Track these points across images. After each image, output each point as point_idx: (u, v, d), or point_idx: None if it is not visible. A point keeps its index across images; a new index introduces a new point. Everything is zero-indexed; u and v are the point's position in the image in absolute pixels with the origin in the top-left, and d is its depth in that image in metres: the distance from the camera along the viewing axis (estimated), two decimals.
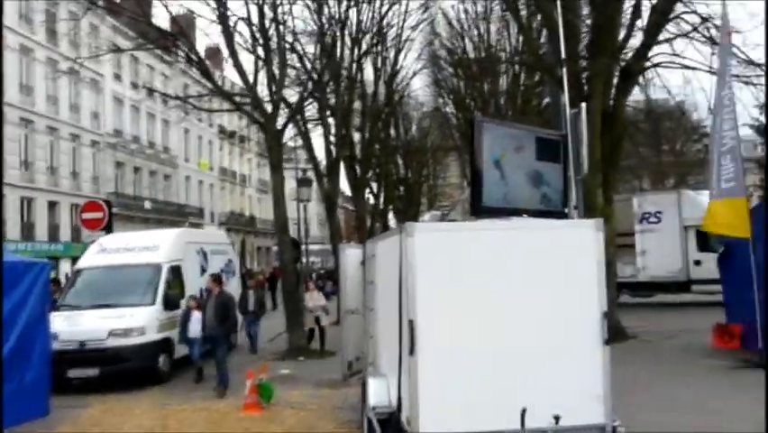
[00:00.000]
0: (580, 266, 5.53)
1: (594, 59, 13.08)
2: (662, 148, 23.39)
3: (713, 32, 12.14)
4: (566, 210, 6.54)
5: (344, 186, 27.01)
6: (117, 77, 39.76)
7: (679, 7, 12.63)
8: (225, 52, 14.74)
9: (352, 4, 19.81)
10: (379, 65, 24.16)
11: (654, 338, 13.92)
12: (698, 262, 18.97)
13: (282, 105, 16.14)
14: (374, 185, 30.51)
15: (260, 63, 14.47)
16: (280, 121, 14.94)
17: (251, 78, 14.31)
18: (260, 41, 14.01)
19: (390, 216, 37.75)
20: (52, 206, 33.90)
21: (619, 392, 8.50)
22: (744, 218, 10.52)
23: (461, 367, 5.26)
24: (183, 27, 14.82)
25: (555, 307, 5.45)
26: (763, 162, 29.60)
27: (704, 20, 12.05)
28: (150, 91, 20.44)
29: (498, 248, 5.43)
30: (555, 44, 13.29)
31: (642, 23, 13.65)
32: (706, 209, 11.16)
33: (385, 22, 22.07)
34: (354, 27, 20.82)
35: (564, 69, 8.24)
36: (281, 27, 14.47)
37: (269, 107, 14.33)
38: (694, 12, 12.29)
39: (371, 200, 32.18)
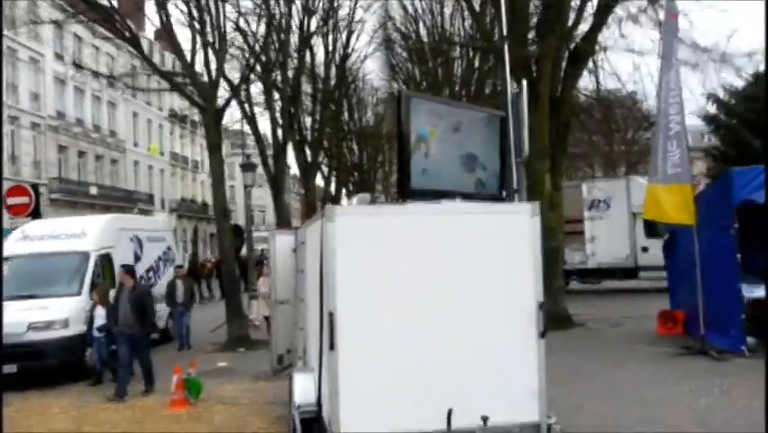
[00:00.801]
0: (514, 254, 5.17)
1: (542, 40, 12.81)
2: (614, 136, 23.42)
3: (661, 16, 11.95)
4: (504, 194, 6.18)
5: (296, 170, 26.43)
6: (59, 56, 38.07)
7: None
8: (158, 26, 13.92)
9: None
10: (330, 47, 23.54)
11: (601, 325, 13.85)
12: (645, 249, 19.09)
13: (226, 86, 15.48)
14: (326, 169, 29.94)
15: (199, 40, 13.77)
16: (222, 102, 14.25)
17: (189, 57, 13.62)
18: (197, 17, 13.29)
19: (344, 201, 37.27)
20: None
21: (564, 381, 8.43)
22: (689, 205, 10.40)
23: (386, 363, 4.87)
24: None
25: (488, 297, 5.08)
26: (710, 152, 30.04)
27: (651, 2, 11.87)
28: (78, 67, 19.32)
29: (426, 234, 5.04)
30: (502, 24, 12.97)
31: (592, 5, 13.44)
32: (645, 194, 11.00)
33: (336, 3, 21.45)
34: (301, 5, 20.15)
35: (506, 46, 7.86)
36: (221, 2, 13.74)
37: (207, 87, 13.64)
38: None
39: (323, 185, 31.63)
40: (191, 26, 13.57)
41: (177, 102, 48.53)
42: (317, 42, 23.56)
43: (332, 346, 4.84)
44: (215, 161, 13.50)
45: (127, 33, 13.16)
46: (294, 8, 19.35)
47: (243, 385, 9.87)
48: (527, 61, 12.97)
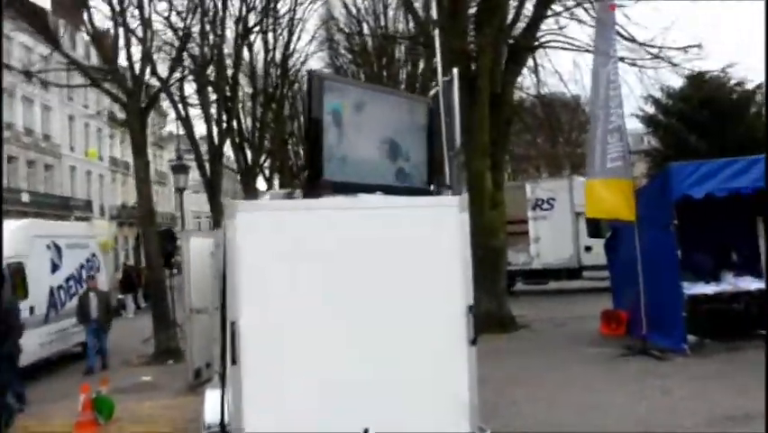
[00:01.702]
0: (441, 253, 4.67)
1: (480, 32, 12.48)
2: (557, 138, 23.45)
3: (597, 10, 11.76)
4: (433, 188, 5.69)
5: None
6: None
7: None
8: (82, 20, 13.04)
9: None
10: (271, 45, 22.82)
11: (545, 327, 13.60)
12: (588, 249, 19.03)
13: (155, 82, 14.62)
14: (268, 171, 29.14)
15: (122, 35, 12.95)
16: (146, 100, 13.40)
17: (118, 53, 12.80)
18: (118, 9, 12.45)
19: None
20: None
21: (504, 385, 8.07)
22: (629, 200, 10.18)
23: (296, 378, 4.31)
24: None
25: (411, 301, 4.56)
26: (650, 153, 30.44)
27: None
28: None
29: (341, 232, 4.50)
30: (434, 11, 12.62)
31: None
32: (585, 191, 10.75)
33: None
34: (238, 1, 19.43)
35: (437, 32, 7.42)
36: None
37: (130, 84, 12.80)
38: None
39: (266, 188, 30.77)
40: (113, 16, 12.72)
41: (117, 105, 46.88)
42: (256, 40, 22.84)
43: (234, 361, 4.26)
44: (140, 164, 12.65)
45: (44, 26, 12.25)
46: (229, 2, 18.59)
47: (164, 402, 9.13)
48: (467, 55, 12.62)
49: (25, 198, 38.30)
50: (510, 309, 13.55)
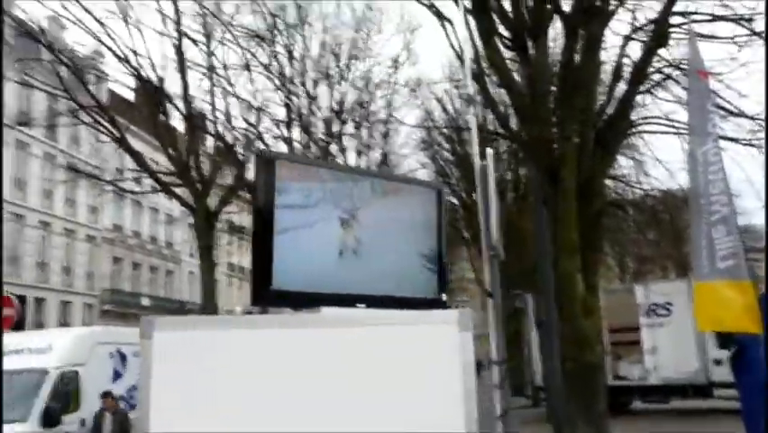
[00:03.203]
0: (434, 385, 3.42)
1: (563, 121, 11.25)
2: (670, 233, 20.94)
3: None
4: (444, 297, 4.42)
5: None
6: (120, 171, 39.30)
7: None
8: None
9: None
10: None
11: None
12: (718, 362, 16.12)
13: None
14: None
15: (196, 141, 13.02)
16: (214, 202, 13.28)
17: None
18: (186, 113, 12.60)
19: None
20: (39, 302, 32.59)
21: None
22: (752, 306, 8.14)
23: None
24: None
25: None
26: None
27: (677, 67, 10.16)
28: (73, 171, 19.07)
29: (292, 357, 3.38)
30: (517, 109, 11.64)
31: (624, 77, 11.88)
32: (694, 297, 8.79)
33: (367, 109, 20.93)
34: (330, 110, 19.62)
35: (472, 114, 6.34)
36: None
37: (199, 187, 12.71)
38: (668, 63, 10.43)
39: None
40: (188, 124, 12.89)
41: (235, 215, 49.10)
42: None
43: None
44: (205, 267, 12.31)
45: (116, 133, 12.61)
46: (316, 110, 18.75)
47: None
48: (549, 145, 11.37)
49: (146, 301, 40.16)
50: None
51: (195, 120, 12.78)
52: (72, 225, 35.61)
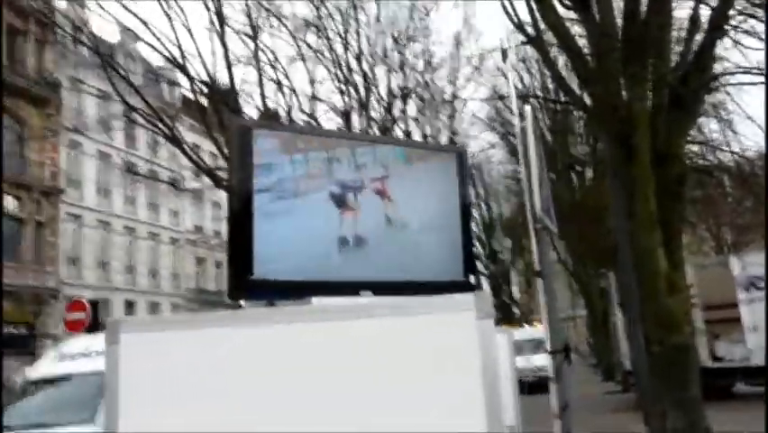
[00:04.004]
0: (445, 387, 2.83)
1: (633, 83, 10.18)
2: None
3: None
4: (471, 279, 3.76)
5: None
6: (197, 174, 40.32)
7: None
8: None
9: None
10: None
11: None
12: None
13: None
14: None
15: None
16: None
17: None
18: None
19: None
20: (130, 305, 33.96)
21: None
22: None
23: None
24: None
25: None
26: None
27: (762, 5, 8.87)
28: (132, 173, 19.38)
29: (274, 358, 2.88)
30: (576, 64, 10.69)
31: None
32: None
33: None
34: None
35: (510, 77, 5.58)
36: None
37: None
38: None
39: None
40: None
41: None
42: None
43: None
44: None
45: (167, 131, 12.57)
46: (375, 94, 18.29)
47: None
48: (617, 108, 10.34)
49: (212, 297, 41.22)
50: (711, 425, 10.20)
51: (269, 116, 12.63)
52: (156, 228, 36.87)
